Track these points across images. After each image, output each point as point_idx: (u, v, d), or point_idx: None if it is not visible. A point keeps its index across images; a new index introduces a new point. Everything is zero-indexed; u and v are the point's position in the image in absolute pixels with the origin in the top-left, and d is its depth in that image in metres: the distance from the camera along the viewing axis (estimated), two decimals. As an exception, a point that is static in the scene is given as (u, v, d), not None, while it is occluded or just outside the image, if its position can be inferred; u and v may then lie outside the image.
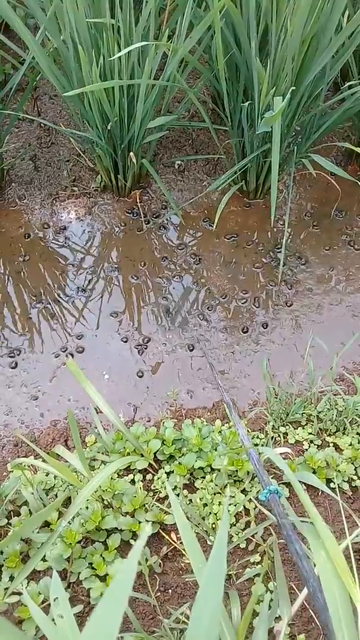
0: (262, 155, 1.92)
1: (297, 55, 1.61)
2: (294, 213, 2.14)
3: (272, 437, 1.56)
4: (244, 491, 1.42)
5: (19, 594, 1.23)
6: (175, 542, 1.34)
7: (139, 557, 0.46)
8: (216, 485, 1.42)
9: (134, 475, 1.47)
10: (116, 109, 1.73)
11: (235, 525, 1.37)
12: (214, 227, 2.04)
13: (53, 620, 0.84)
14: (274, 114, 1.46)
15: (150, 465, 1.47)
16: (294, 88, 1.60)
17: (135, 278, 1.96)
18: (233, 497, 1.40)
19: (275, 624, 1.09)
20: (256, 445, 1.53)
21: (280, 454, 1.47)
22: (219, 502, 1.39)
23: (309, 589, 0.86)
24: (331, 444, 1.54)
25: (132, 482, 1.46)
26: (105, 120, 1.79)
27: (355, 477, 1.46)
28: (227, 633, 0.75)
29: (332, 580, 0.71)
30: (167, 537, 1.35)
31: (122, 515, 1.36)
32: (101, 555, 1.29)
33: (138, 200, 2.11)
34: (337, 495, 1.42)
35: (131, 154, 1.87)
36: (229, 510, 1.37)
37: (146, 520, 1.35)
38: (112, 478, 1.43)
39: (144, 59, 1.67)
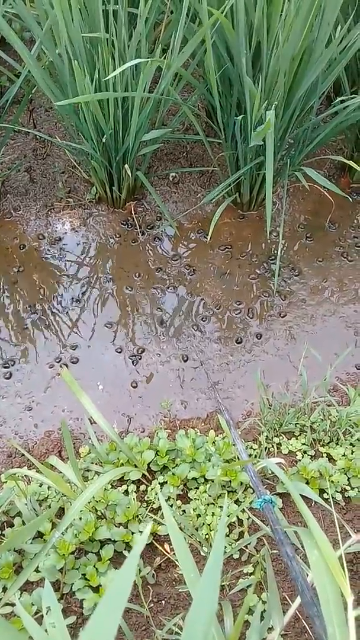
0: (255, 168, 1.94)
1: (288, 70, 1.63)
2: (287, 225, 2.15)
3: (266, 448, 1.56)
4: (237, 502, 1.42)
5: (12, 605, 1.23)
6: (168, 553, 1.35)
7: (135, 566, 0.46)
8: (210, 495, 1.42)
9: (127, 486, 1.47)
10: (111, 121, 1.75)
11: (228, 535, 1.37)
12: (208, 238, 2.05)
13: (46, 630, 0.84)
14: (263, 127, 1.48)
15: (143, 476, 1.47)
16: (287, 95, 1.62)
17: (129, 289, 1.97)
18: (227, 507, 1.40)
19: (268, 634, 1.09)
20: (250, 455, 1.53)
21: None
22: (213, 513, 1.39)
23: (297, 586, 0.87)
24: (324, 455, 1.55)
25: (126, 492, 1.46)
26: (100, 133, 1.81)
27: (348, 488, 1.46)
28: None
29: (324, 576, 0.72)
30: (160, 548, 1.35)
31: (116, 526, 1.36)
32: (94, 566, 1.29)
33: (133, 212, 2.13)
34: (330, 505, 1.42)
35: (126, 166, 1.89)
36: (222, 521, 1.37)
37: (139, 532, 1.35)
38: (105, 489, 1.43)
39: (138, 73, 1.69)
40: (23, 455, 1.59)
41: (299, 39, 1.55)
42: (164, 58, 1.71)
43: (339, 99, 1.78)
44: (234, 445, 1.50)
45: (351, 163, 1.82)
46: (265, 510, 1.15)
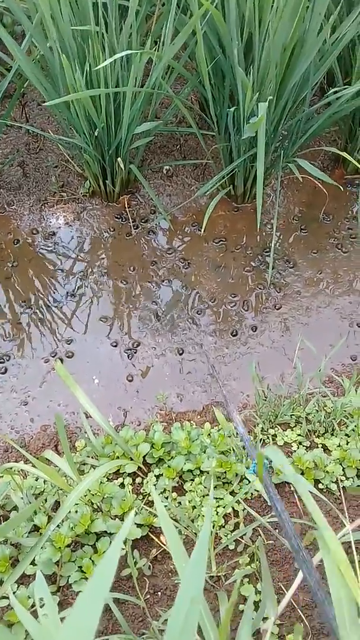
0: (249, 160, 1.94)
1: (280, 61, 1.62)
2: (282, 217, 2.15)
3: (261, 439, 1.57)
4: (232, 493, 1.43)
5: (9, 598, 1.23)
6: (164, 545, 1.35)
7: (119, 551, 0.46)
8: (205, 487, 1.43)
9: (123, 478, 1.47)
10: (102, 115, 1.74)
11: (224, 526, 1.37)
12: (203, 231, 2.05)
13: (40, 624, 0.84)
14: (257, 120, 1.47)
15: (139, 468, 1.47)
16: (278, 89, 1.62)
17: (124, 283, 1.96)
18: (222, 499, 1.40)
19: (263, 623, 1.09)
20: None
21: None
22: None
23: (284, 531, 0.90)
24: (320, 445, 1.55)
25: (122, 485, 1.46)
26: (92, 127, 1.81)
27: (343, 478, 1.47)
28: (211, 633, 0.75)
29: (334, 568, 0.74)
30: (156, 539, 1.36)
31: (112, 518, 1.36)
32: (90, 558, 1.29)
33: (127, 206, 2.12)
34: (325, 495, 1.43)
35: (119, 159, 1.89)
36: (217, 512, 1.38)
37: (135, 524, 1.36)
38: (101, 482, 1.44)
39: (130, 66, 1.68)
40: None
41: (290, 29, 1.55)
42: (155, 50, 1.71)
43: (332, 90, 1.78)
44: (233, 433, 1.50)
45: (345, 154, 1.81)
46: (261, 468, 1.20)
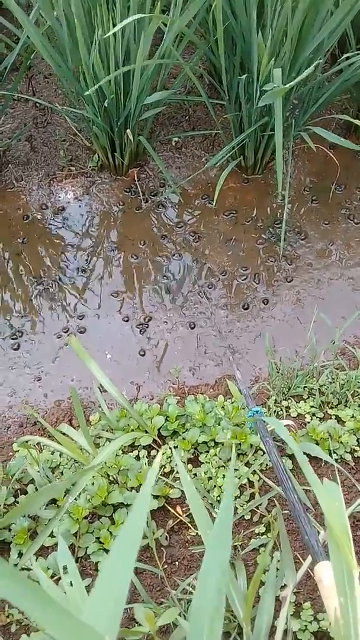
0: (260, 130, 1.90)
1: (295, 26, 1.58)
2: (293, 188, 2.13)
3: (275, 411, 1.57)
4: (247, 464, 1.43)
5: (28, 569, 1.25)
6: (180, 516, 1.36)
7: (147, 507, 0.46)
8: (220, 459, 1.43)
9: (138, 451, 1.48)
10: (112, 85, 1.71)
11: (239, 497, 1.38)
12: (214, 204, 2.02)
13: (65, 592, 0.85)
14: (280, 88, 1.43)
15: (154, 441, 1.48)
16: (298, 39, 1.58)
17: (135, 257, 1.95)
18: (237, 469, 1.41)
19: (281, 592, 1.10)
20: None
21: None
22: (223, 475, 1.40)
23: (286, 495, 0.95)
24: (333, 417, 1.55)
25: (137, 458, 1.47)
26: (101, 97, 1.78)
27: (357, 448, 1.47)
28: (237, 600, 0.76)
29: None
30: (172, 510, 1.37)
31: (128, 490, 1.38)
32: (108, 529, 1.31)
33: (136, 179, 2.10)
34: (340, 465, 1.43)
35: (128, 131, 1.86)
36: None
37: (152, 495, 1.37)
38: (117, 454, 1.45)
39: (139, 35, 1.65)
40: (34, 424, 1.60)
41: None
42: (167, 16, 1.67)
43: (344, 55, 1.74)
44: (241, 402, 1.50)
45: (357, 122, 1.78)
46: (257, 421, 1.26)
